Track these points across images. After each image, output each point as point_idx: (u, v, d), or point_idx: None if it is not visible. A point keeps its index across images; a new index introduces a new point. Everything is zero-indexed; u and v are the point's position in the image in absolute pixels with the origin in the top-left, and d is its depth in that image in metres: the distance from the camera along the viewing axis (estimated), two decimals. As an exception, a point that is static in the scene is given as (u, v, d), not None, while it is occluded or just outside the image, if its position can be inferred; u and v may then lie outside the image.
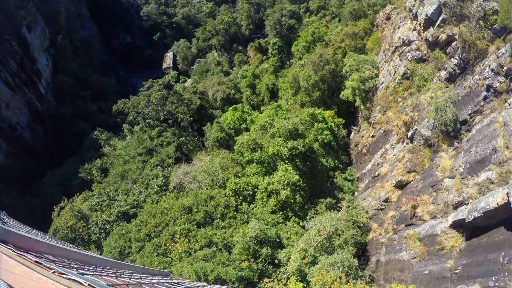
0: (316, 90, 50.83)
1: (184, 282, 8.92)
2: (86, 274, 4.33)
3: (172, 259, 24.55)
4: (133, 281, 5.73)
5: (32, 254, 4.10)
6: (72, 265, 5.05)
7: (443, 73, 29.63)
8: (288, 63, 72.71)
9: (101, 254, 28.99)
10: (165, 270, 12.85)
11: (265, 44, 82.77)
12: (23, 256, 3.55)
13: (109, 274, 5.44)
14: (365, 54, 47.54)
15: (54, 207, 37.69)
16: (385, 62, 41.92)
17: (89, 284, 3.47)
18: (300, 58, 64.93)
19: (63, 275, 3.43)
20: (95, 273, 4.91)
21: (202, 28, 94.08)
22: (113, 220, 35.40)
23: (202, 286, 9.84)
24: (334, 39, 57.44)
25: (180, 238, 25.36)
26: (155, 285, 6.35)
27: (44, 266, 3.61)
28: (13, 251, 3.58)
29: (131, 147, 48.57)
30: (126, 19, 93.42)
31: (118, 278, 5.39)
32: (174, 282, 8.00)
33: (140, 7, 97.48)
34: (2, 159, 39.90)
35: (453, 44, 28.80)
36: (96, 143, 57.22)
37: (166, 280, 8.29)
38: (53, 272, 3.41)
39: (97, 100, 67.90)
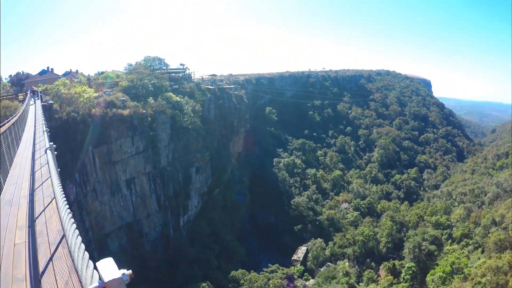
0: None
1: None
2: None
3: None
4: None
5: None
6: None
7: None
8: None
9: None
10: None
11: (399, 267, 76.43)
12: None
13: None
14: (512, 292, 39.33)
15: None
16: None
17: None
18: (433, 291, 57.52)
19: None
20: None
21: (341, 234, 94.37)
22: None
23: None
24: (474, 273, 50.02)
25: None
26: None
27: None
28: None
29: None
30: (278, 201, 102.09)
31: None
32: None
33: (292, 196, 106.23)
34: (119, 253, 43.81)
35: None
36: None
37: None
38: None
39: (221, 258, 70.79)
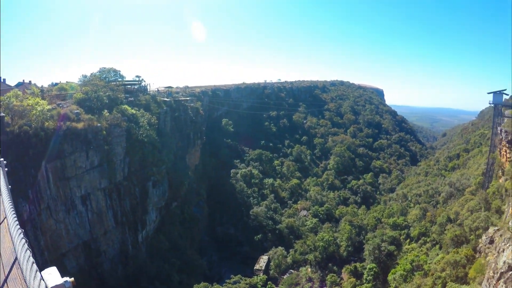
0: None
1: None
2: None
3: None
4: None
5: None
6: None
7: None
8: (382, 294, 67.27)
9: None
10: None
11: (361, 269, 79.11)
12: None
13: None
14: (467, 284, 41.97)
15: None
16: (490, 292, 36.02)
17: None
18: (395, 288, 59.91)
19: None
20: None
21: (302, 241, 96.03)
22: None
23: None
24: (434, 268, 52.80)
25: None
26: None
27: None
28: None
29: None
30: (236, 212, 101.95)
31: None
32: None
33: (251, 206, 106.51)
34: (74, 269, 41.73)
35: None
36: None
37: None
38: None
39: (182, 272, 69.45)
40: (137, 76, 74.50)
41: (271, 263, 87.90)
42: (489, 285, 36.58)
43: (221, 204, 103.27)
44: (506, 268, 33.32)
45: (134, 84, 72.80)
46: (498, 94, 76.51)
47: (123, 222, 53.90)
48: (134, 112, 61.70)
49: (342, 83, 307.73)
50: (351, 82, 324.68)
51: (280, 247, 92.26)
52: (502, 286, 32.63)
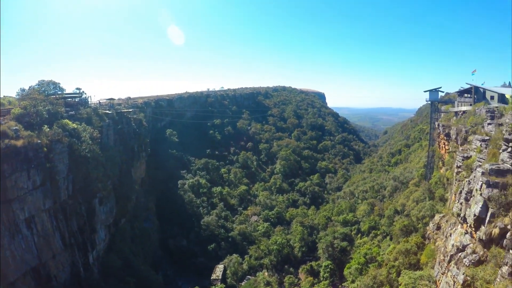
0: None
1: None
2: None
3: None
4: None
5: None
6: None
7: (505, 269, 26.67)
8: (340, 287, 69.53)
9: None
10: None
11: (316, 267, 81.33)
12: None
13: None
14: (420, 269, 44.78)
15: None
16: (442, 274, 38.69)
17: None
18: (353, 281, 62.30)
19: None
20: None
21: (256, 246, 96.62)
22: None
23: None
24: (387, 259, 55.76)
25: None
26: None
27: None
28: None
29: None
30: (187, 223, 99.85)
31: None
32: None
33: (201, 216, 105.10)
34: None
35: (508, 235, 27.21)
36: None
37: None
38: None
39: (138, 290, 66.57)
40: (77, 88, 70.57)
41: (228, 271, 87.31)
42: (441, 268, 39.32)
43: (171, 216, 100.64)
44: (455, 250, 35.98)
45: (75, 97, 68.78)
46: (434, 92, 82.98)
47: (71, 244, 50.37)
48: (76, 126, 58.22)
49: (284, 88, 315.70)
50: (293, 87, 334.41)
51: (234, 254, 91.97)
52: (453, 267, 35.16)
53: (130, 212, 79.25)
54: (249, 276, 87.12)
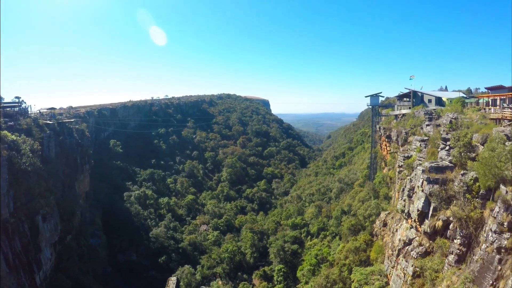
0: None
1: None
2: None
3: None
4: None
5: None
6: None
7: (451, 257, 29.48)
8: (294, 289, 71.10)
9: None
10: None
11: (270, 272, 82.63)
12: None
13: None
14: (371, 265, 47.48)
15: None
16: (392, 267, 41.51)
17: None
18: (306, 282, 64.07)
19: None
20: None
21: (207, 255, 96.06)
22: None
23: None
24: (338, 258, 58.31)
25: None
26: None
27: None
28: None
29: None
30: (135, 237, 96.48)
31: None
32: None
33: (150, 228, 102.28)
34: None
35: (451, 226, 30.08)
36: None
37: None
38: None
39: (90, 311, 63.49)
40: (16, 97, 66.21)
41: (181, 283, 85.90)
42: (391, 262, 42.20)
43: (119, 230, 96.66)
44: (403, 244, 38.94)
45: (14, 107, 64.34)
46: (374, 96, 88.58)
47: (16, 265, 46.84)
48: (15, 138, 54.69)
49: (229, 96, 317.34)
50: (238, 94, 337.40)
51: (186, 265, 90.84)
52: (402, 260, 37.99)
53: (76, 228, 75.18)
54: (203, 286, 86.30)
